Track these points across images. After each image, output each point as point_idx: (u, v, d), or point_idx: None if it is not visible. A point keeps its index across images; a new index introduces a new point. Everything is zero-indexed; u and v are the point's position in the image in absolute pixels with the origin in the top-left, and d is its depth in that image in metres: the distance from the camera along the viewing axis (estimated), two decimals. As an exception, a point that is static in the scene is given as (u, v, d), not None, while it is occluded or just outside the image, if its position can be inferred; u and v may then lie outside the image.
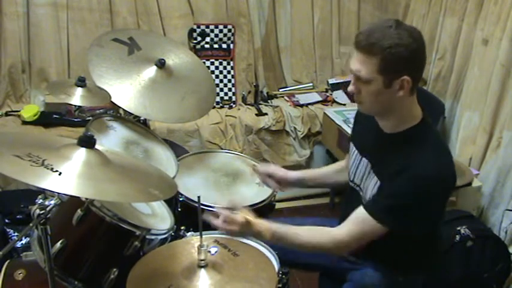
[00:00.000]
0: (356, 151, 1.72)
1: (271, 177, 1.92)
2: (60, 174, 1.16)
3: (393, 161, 1.54)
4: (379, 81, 1.44)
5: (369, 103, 1.51)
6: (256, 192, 2.05)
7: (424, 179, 1.45)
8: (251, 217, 1.53)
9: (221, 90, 3.24)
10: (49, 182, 1.13)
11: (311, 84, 3.47)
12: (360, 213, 1.53)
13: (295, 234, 1.56)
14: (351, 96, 2.79)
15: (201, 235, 1.32)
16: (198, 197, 1.35)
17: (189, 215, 1.85)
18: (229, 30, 3.22)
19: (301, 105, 3.27)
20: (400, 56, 1.40)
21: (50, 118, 2.85)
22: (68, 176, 1.18)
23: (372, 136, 1.64)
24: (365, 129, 1.68)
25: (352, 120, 1.93)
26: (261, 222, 1.55)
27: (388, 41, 1.39)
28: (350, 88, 1.53)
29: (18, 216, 2.41)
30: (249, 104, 3.28)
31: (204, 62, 3.17)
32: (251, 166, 2.10)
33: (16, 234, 2.33)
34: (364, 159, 1.67)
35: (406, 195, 1.47)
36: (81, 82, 1.85)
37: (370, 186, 1.60)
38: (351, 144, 1.76)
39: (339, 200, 3.26)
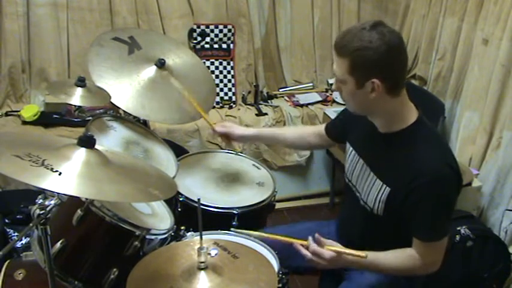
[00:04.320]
0: (353, 150, 1.72)
1: (229, 137, 2.02)
2: (60, 174, 1.16)
3: (393, 163, 1.54)
4: (351, 82, 1.47)
5: (350, 102, 1.56)
6: (256, 192, 2.05)
7: (440, 180, 1.47)
8: (340, 249, 1.54)
9: (221, 90, 3.24)
10: (49, 182, 1.13)
11: (311, 84, 3.47)
12: (427, 246, 1.56)
13: (384, 260, 1.57)
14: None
15: (201, 237, 1.32)
16: (198, 199, 1.35)
17: (189, 215, 1.85)
18: (229, 30, 3.22)
19: (301, 105, 3.27)
20: (367, 59, 1.41)
21: (50, 118, 2.85)
22: (67, 176, 1.18)
23: (367, 135, 1.65)
24: (361, 128, 1.69)
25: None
26: (350, 253, 1.54)
27: (357, 43, 1.41)
28: (333, 87, 1.57)
29: (18, 216, 2.41)
30: (249, 104, 3.28)
31: (204, 62, 3.17)
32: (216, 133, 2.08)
33: (16, 234, 2.32)
34: (361, 159, 1.67)
35: (437, 202, 1.49)
36: (81, 82, 1.85)
37: (372, 189, 1.60)
38: (347, 144, 1.77)
39: (339, 200, 3.26)
